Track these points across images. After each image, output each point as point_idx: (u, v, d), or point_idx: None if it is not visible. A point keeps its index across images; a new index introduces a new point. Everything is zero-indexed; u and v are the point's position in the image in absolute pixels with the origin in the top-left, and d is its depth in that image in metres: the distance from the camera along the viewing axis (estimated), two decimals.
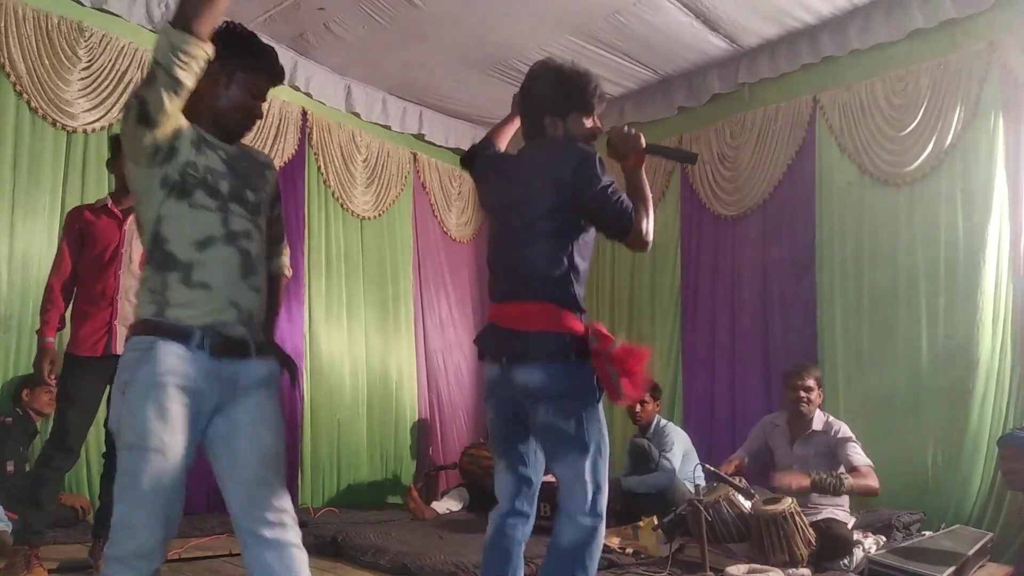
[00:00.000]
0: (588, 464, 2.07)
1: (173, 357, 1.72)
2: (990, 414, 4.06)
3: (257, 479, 1.81)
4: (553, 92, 2.23)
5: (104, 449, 3.14)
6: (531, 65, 2.34)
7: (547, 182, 2.13)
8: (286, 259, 2.15)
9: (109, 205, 3.20)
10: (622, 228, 2.10)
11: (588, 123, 2.24)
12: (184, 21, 1.64)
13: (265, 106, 2.12)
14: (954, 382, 4.16)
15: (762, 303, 5.07)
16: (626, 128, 2.18)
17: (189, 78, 1.68)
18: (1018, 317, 4.05)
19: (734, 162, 5.27)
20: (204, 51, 1.67)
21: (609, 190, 2.07)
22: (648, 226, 2.12)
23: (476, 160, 2.46)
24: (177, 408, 1.70)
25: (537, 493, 2.30)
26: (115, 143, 3.24)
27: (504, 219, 2.24)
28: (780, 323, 4.96)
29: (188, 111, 1.79)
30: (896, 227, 4.50)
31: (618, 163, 2.19)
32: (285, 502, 1.85)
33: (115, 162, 3.20)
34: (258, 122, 1.98)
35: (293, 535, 1.83)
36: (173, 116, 1.72)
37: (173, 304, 1.76)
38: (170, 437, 1.68)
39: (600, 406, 2.14)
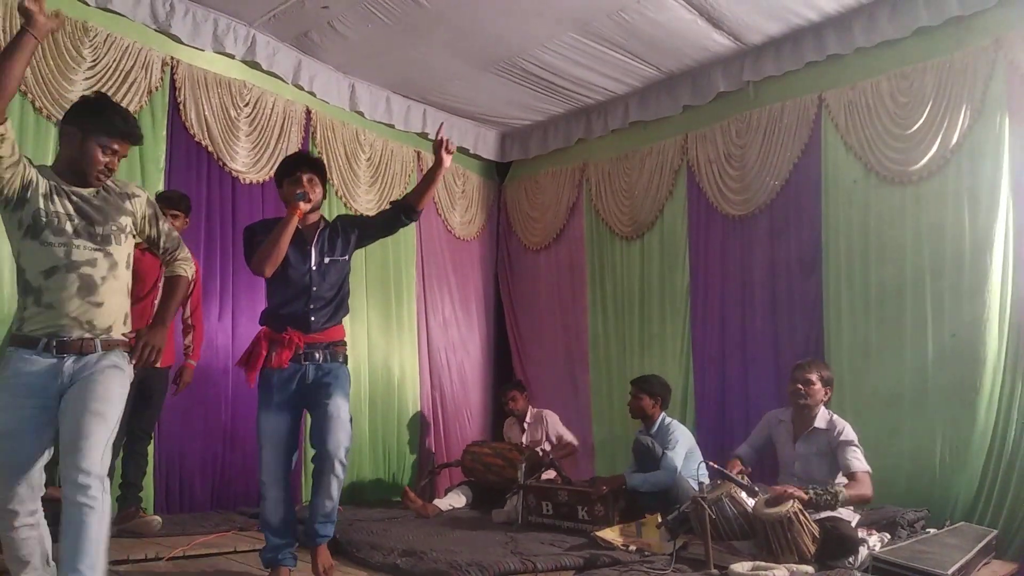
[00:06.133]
0: None
1: (20, 362, 2.29)
2: (995, 412, 4.05)
3: (69, 442, 2.23)
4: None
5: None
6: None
7: None
8: (183, 264, 2.66)
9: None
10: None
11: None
12: None
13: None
14: (960, 380, 4.15)
15: (770, 301, 5.06)
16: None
17: None
18: None
19: (740, 161, 5.26)
20: None
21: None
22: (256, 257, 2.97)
23: None
24: (21, 401, 2.27)
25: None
26: (159, 200, 3.78)
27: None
28: (788, 321, 4.96)
29: (56, 163, 2.39)
30: (902, 225, 4.49)
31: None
32: (86, 462, 2.19)
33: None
34: (112, 172, 2.42)
35: (84, 495, 2.16)
36: (9, 175, 2.24)
37: (27, 320, 2.32)
38: (14, 423, 2.26)
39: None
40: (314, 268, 3.05)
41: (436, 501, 5.01)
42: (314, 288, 3.04)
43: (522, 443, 5.41)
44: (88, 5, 4.25)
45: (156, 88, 4.52)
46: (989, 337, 4.08)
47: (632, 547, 3.68)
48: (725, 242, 5.35)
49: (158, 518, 3.86)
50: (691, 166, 5.56)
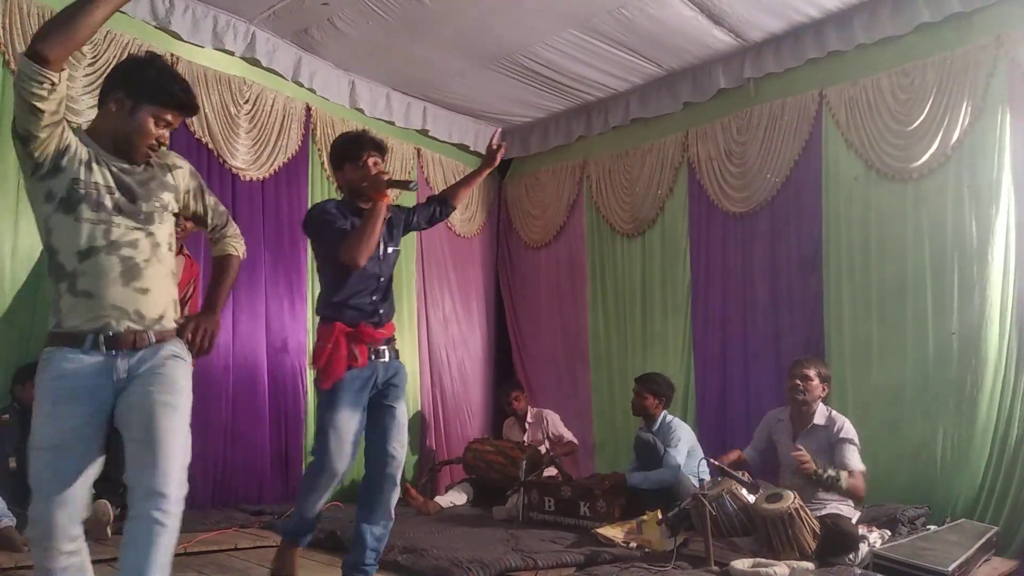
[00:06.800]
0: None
1: (64, 363, 1.93)
2: (997, 409, 4.05)
3: (143, 443, 1.90)
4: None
5: None
6: None
7: None
8: (232, 241, 2.33)
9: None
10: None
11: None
12: (32, 50, 1.78)
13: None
14: (962, 377, 4.15)
15: (771, 299, 5.06)
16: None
17: (40, 101, 1.81)
18: None
19: (741, 158, 5.25)
20: (48, 78, 1.79)
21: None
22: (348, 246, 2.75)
23: None
24: (68, 409, 1.92)
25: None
26: None
27: None
28: (788, 318, 4.96)
29: (94, 130, 2.03)
30: (903, 222, 4.49)
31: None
32: (165, 468, 1.87)
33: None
34: (162, 146, 2.10)
35: (159, 509, 1.85)
36: (45, 135, 1.88)
37: (65, 313, 1.95)
38: (60, 435, 1.92)
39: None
40: (381, 257, 2.90)
41: (437, 498, 5.02)
42: (382, 278, 2.91)
43: (524, 442, 5.41)
44: None
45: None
46: (990, 334, 4.08)
47: (633, 544, 3.68)
48: (726, 239, 5.34)
49: None
50: (692, 163, 5.55)
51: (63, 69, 1.83)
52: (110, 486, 3.67)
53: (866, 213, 4.65)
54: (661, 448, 4.35)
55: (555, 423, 5.58)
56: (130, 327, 1.96)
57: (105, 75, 2.09)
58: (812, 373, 3.85)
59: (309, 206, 5.24)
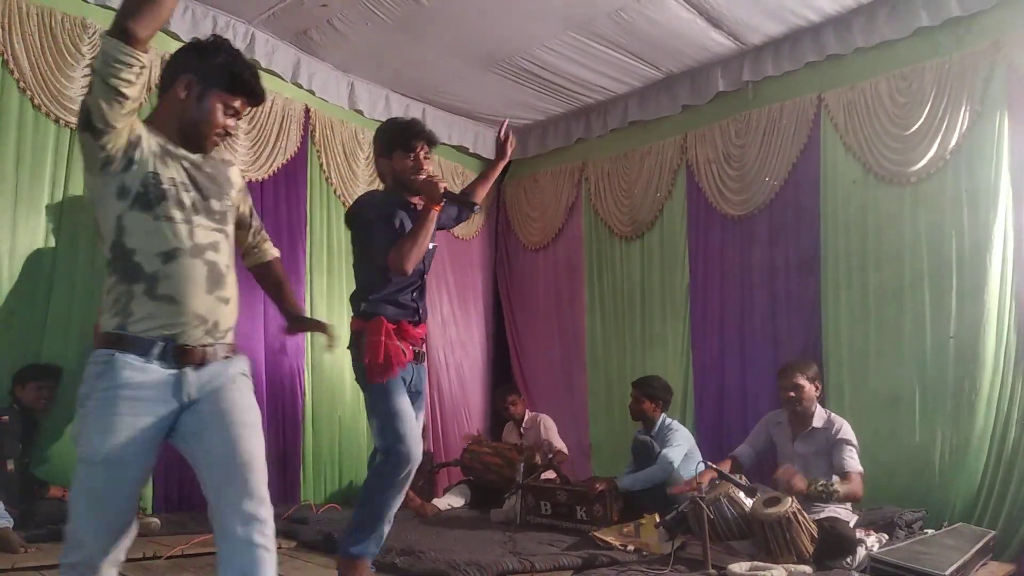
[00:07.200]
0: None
1: (129, 370, 1.74)
2: (995, 413, 4.05)
3: (228, 465, 1.78)
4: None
5: None
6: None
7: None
8: (270, 242, 2.29)
9: None
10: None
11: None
12: (119, 29, 1.65)
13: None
14: (959, 381, 4.15)
15: (769, 302, 5.06)
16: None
17: (126, 86, 1.68)
18: (1023, 316, 4.04)
19: (740, 161, 5.25)
20: (139, 59, 1.67)
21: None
22: (397, 254, 2.69)
23: None
24: (128, 420, 1.73)
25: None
26: None
27: None
28: (786, 321, 4.96)
29: (157, 119, 1.87)
30: (901, 226, 4.49)
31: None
32: (261, 489, 1.78)
33: None
34: (229, 136, 1.99)
35: (261, 533, 1.74)
36: (122, 126, 1.73)
37: (136, 316, 1.77)
38: (120, 449, 1.72)
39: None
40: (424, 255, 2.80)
41: (435, 500, 5.01)
42: (425, 275, 2.85)
43: (520, 444, 5.41)
44: (87, 2, 4.24)
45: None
46: (988, 338, 4.08)
47: (630, 547, 3.68)
48: (724, 242, 5.34)
49: (156, 520, 3.85)
50: (690, 166, 5.55)
51: (148, 50, 1.71)
52: None
53: (864, 216, 4.65)
54: (657, 449, 4.35)
55: (548, 428, 5.53)
56: (203, 340, 1.82)
57: (168, 57, 1.98)
58: (802, 380, 3.85)
59: (308, 207, 5.32)
